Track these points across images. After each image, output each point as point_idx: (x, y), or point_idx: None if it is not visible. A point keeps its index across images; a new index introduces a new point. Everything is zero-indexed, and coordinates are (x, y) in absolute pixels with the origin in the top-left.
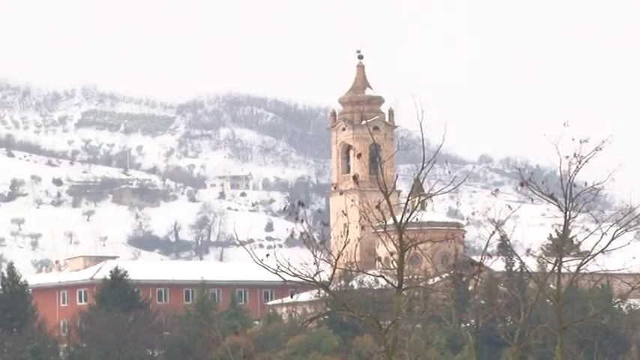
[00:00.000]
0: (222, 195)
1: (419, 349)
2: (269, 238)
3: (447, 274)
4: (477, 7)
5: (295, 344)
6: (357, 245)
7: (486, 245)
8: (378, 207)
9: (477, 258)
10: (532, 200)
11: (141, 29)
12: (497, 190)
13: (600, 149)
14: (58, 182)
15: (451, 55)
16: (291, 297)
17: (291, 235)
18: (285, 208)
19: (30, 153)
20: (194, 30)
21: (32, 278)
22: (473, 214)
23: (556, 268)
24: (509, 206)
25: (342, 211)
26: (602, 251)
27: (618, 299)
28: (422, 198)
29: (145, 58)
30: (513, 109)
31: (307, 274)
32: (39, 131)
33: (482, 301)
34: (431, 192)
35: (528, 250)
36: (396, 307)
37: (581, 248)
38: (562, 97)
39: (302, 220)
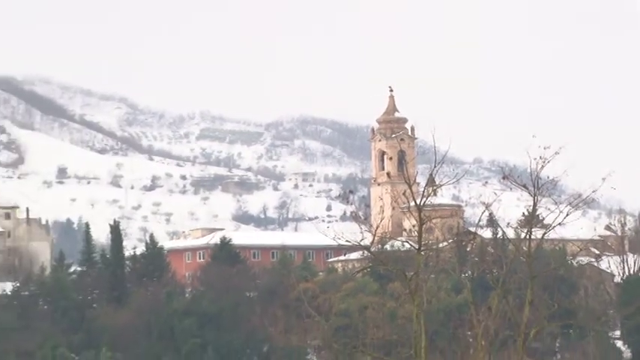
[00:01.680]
0: (296, 186)
1: (432, 291)
2: (329, 216)
3: (451, 240)
4: (470, 48)
5: (347, 288)
6: (389, 220)
7: (479, 220)
8: (404, 194)
9: (472, 229)
10: (510, 189)
11: (239, 69)
12: (486, 182)
13: (558, 153)
14: (183, 177)
15: (455, 87)
16: (344, 256)
17: (344, 213)
18: (340, 194)
19: (164, 157)
20: (275, 71)
21: (166, 244)
22: (470, 198)
23: (527, 235)
24: (495, 193)
25: (379, 197)
26: (559, 224)
27: (570, 257)
28: (434, 188)
29: (243, 90)
30: (498, 124)
31: (355, 240)
32: (170, 142)
33: (476, 259)
34: (440, 183)
35: (508, 224)
36: (416, 263)
37: (545, 222)
38: (531, 114)
39: (351, 203)
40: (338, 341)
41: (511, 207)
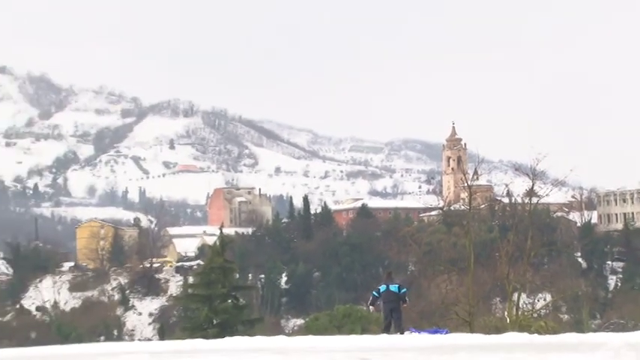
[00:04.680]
0: (402, 175)
1: (476, 232)
2: (420, 191)
3: (487, 204)
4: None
5: (431, 230)
6: (453, 193)
7: (502, 193)
8: (461, 179)
9: (498, 198)
10: (519, 176)
11: (372, 109)
12: (506, 172)
13: (545, 156)
14: (341, 172)
15: (487, 119)
16: (429, 213)
17: (428, 190)
18: (426, 180)
19: (331, 161)
20: (390, 110)
21: (333, 207)
22: (497, 181)
23: (529, 201)
24: (511, 179)
25: (447, 181)
26: (546, 195)
27: (552, 212)
28: (477, 176)
29: (374, 122)
30: (512, 139)
31: (435, 204)
32: (334, 153)
33: (500, 214)
34: (480, 174)
35: (518, 195)
36: (468, 216)
37: (538, 194)
38: (531, 132)
39: (433, 184)
40: (425, 260)
41: (519, 186)
